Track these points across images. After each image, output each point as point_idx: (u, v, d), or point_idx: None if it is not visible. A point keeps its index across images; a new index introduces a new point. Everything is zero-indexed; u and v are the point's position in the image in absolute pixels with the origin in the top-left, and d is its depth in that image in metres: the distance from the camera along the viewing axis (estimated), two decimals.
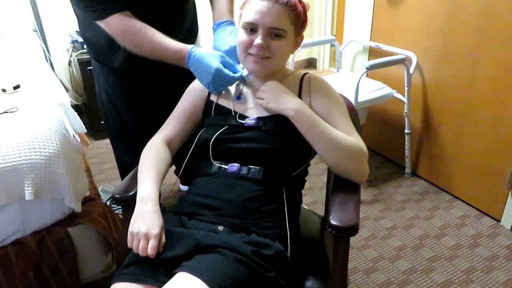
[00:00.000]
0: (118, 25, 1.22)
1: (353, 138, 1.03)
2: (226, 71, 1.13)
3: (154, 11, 1.33)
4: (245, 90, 1.16)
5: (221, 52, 1.18)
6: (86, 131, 1.68)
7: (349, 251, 0.99)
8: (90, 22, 1.28)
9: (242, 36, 1.05)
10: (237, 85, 1.17)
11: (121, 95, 1.57)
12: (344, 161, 1.03)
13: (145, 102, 1.57)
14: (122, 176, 1.84)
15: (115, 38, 1.26)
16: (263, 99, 1.08)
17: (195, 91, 1.19)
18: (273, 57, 1.05)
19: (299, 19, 1.05)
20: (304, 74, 1.15)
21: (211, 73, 1.11)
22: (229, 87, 1.17)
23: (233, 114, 1.12)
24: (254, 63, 1.06)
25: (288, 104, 1.04)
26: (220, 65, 1.12)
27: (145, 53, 1.25)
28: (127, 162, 1.61)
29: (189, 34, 1.55)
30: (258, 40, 1.02)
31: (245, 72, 1.16)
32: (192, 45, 1.21)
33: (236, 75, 1.13)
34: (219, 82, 1.13)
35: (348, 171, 1.04)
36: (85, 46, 2.57)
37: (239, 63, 1.15)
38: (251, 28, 1.03)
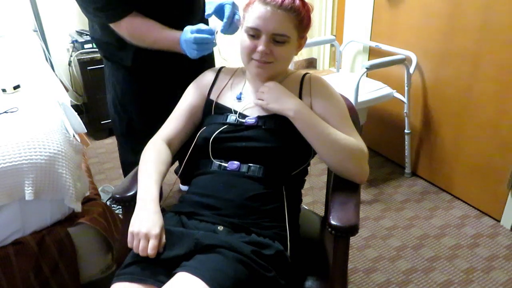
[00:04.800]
0: (123, 28, 1.31)
1: (353, 139, 1.03)
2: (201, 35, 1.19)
3: (163, 12, 1.37)
4: (246, 89, 1.16)
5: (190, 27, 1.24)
6: (86, 131, 1.68)
7: (349, 251, 0.99)
8: (99, 23, 1.34)
9: (245, 41, 1.05)
10: (238, 85, 1.18)
11: (130, 93, 1.60)
12: (344, 161, 1.03)
13: (153, 100, 1.59)
14: (125, 175, 1.84)
15: (123, 38, 1.34)
16: (262, 100, 1.08)
17: (195, 90, 1.20)
18: (276, 62, 1.05)
19: (303, 23, 1.05)
20: (305, 74, 1.15)
21: (192, 38, 1.19)
22: (229, 87, 1.18)
23: (233, 113, 1.12)
24: (257, 67, 1.06)
25: (288, 104, 1.04)
26: (194, 33, 1.19)
27: (151, 46, 1.33)
28: (131, 161, 1.61)
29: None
30: (260, 46, 1.02)
31: (218, 28, 1.22)
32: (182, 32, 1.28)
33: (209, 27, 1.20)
34: (201, 40, 1.19)
35: (348, 171, 1.04)
36: (85, 46, 2.61)
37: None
38: (254, 34, 1.03)
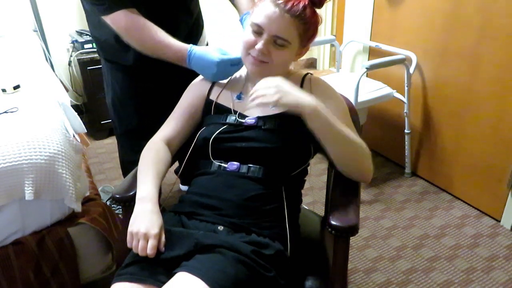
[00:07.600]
0: (122, 21, 1.26)
1: (360, 139, 1.03)
2: (228, 56, 1.16)
3: (159, 9, 1.36)
4: (246, 89, 1.16)
5: (218, 47, 1.21)
6: (86, 131, 1.68)
7: (349, 251, 0.99)
8: (99, 21, 1.32)
9: (248, 35, 1.04)
10: (238, 85, 1.18)
11: (129, 93, 1.60)
12: (356, 160, 1.03)
13: (153, 100, 1.59)
14: (125, 175, 1.85)
15: (119, 34, 1.29)
16: (269, 96, 0.93)
17: (194, 90, 1.20)
18: (271, 63, 1.04)
19: (307, 33, 1.04)
20: (305, 75, 1.15)
21: (215, 65, 1.15)
22: (229, 87, 1.17)
23: (233, 113, 1.12)
24: (252, 64, 1.06)
25: (305, 100, 0.93)
26: (221, 56, 1.15)
27: (147, 51, 1.29)
28: (131, 161, 1.62)
29: (194, 30, 1.58)
30: (259, 45, 1.01)
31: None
32: (190, 45, 1.23)
33: (238, 55, 1.14)
34: (224, 70, 1.16)
35: (359, 170, 1.04)
36: (85, 46, 2.61)
37: None
38: (257, 30, 1.02)
